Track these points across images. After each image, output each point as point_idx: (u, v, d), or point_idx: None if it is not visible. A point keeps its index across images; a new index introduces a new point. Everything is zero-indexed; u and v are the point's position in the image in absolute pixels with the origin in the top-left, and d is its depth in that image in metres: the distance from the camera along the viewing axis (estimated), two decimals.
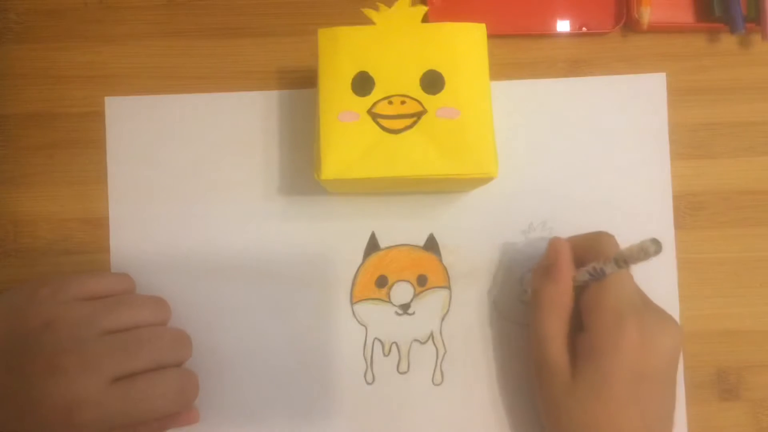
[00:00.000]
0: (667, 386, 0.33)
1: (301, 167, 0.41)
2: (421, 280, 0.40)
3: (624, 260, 0.31)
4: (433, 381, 0.40)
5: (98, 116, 0.41)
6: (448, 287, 0.40)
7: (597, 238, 0.35)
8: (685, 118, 0.42)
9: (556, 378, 0.34)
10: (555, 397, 0.34)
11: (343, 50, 0.34)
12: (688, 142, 0.41)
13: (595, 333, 0.32)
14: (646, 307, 0.33)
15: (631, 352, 0.31)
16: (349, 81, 0.33)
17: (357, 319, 0.40)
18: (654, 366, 0.32)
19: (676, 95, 0.41)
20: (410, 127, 0.33)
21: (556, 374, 0.33)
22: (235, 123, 0.41)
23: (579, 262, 0.35)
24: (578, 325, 0.34)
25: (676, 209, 0.41)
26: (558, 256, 0.35)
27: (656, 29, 0.42)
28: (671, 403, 0.34)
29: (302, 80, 0.42)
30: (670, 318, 0.33)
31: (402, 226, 0.41)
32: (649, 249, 0.29)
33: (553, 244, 0.36)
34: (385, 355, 0.40)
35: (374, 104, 0.33)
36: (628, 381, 0.31)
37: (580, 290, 0.34)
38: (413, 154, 0.33)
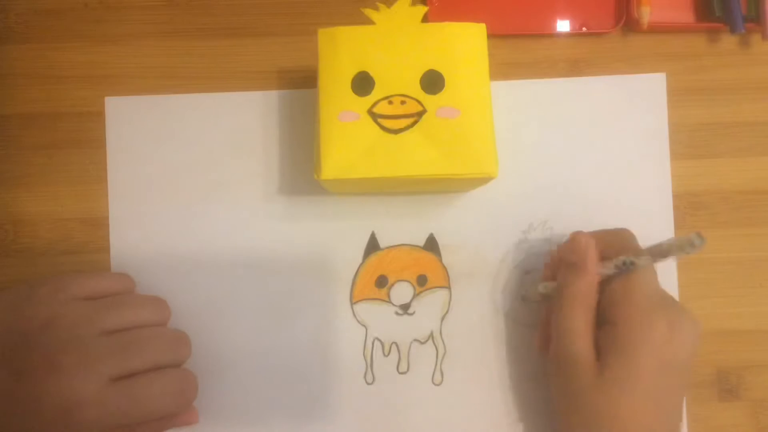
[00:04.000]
0: (685, 378, 0.34)
1: (301, 167, 0.41)
2: (421, 280, 0.40)
3: (662, 253, 0.31)
4: (433, 381, 0.40)
5: (98, 116, 0.41)
6: (448, 287, 0.40)
7: (619, 233, 0.36)
8: (685, 118, 0.41)
9: (581, 372, 0.33)
10: (579, 392, 0.33)
11: (343, 50, 0.34)
12: (688, 142, 0.41)
13: (623, 327, 0.32)
14: (670, 300, 0.34)
15: (661, 345, 0.32)
16: (349, 81, 0.33)
17: (357, 319, 0.40)
18: (678, 358, 0.32)
19: (676, 95, 0.41)
20: (410, 127, 0.33)
21: (583, 369, 0.33)
22: (235, 123, 0.41)
23: (600, 256, 0.35)
24: (599, 319, 0.34)
25: (676, 209, 0.41)
26: (586, 250, 0.35)
27: (656, 29, 0.42)
28: (683, 393, 0.35)
29: (302, 80, 0.42)
30: (689, 311, 0.34)
31: (402, 226, 0.41)
32: (695, 242, 0.29)
33: (579, 238, 0.35)
34: (385, 355, 0.40)
35: (374, 104, 0.33)
36: (655, 373, 0.32)
37: (602, 285, 0.34)
38: (413, 154, 0.33)
